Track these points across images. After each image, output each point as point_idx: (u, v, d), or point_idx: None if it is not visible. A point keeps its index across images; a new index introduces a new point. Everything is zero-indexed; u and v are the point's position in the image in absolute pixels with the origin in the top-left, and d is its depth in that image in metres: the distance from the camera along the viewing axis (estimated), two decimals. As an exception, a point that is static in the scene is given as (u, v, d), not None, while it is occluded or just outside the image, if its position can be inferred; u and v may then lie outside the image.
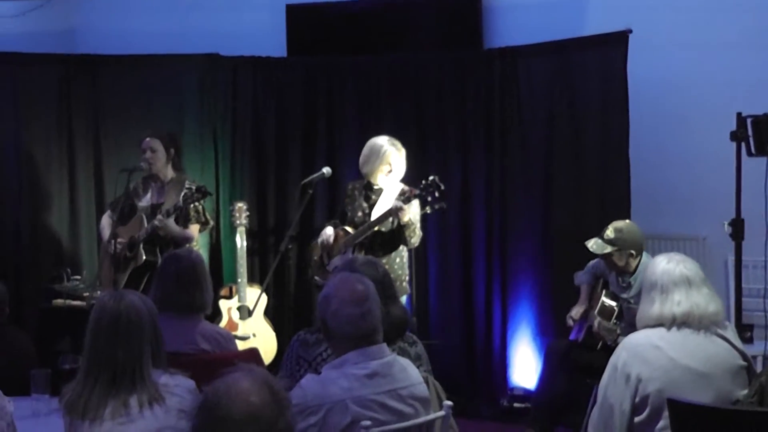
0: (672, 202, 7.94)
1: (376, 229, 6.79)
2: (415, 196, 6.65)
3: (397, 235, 6.79)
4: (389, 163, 6.90)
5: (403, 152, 6.93)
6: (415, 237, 6.79)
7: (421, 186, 6.66)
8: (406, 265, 6.99)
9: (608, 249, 6.34)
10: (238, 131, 8.53)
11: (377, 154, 6.92)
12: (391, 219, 6.72)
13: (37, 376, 4.59)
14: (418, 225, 6.84)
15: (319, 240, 7.08)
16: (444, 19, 8.49)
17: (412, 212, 6.76)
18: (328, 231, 7.07)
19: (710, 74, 7.81)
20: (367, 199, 6.98)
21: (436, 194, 6.64)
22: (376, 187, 6.94)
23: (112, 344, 3.58)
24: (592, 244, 6.40)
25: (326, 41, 8.69)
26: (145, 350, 3.62)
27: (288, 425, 2.25)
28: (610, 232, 6.34)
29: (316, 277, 7.15)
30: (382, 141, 6.95)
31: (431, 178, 6.67)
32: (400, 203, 6.59)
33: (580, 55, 7.71)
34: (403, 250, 6.92)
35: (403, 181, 6.99)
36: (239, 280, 7.87)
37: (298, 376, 4.02)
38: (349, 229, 6.96)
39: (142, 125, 7.75)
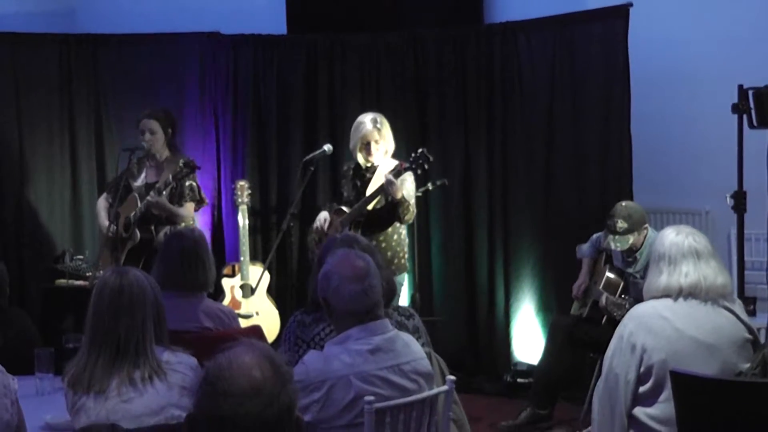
0: (674, 176, 7.94)
1: (370, 207, 6.76)
2: (405, 170, 6.61)
3: (392, 212, 6.76)
4: (368, 140, 6.84)
5: (385, 128, 6.86)
6: (409, 214, 6.74)
7: (411, 159, 6.64)
8: (404, 243, 6.95)
9: (631, 239, 6.35)
10: (239, 109, 8.51)
11: (354, 132, 6.90)
12: (384, 195, 6.69)
13: (41, 355, 4.61)
14: (413, 201, 6.79)
15: (314, 225, 7.07)
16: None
17: (406, 188, 6.72)
18: (322, 216, 7.05)
19: (711, 47, 7.79)
20: (362, 177, 6.95)
21: (426, 166, 6.63)
22: (370, 165, 6.91)
23: (115, 318, 3.60)
24: (615, 243, 6.37)
25: (326, 18, 8.67)
26: (147, 325, 3.63)
27: (290, 399, 2.25)
28: (621, 223, 6.32)
29: (315, 258, 7.13)
30: (362, 118, 6.90)
31: (420, 150, 6.64)
32: (391, 178, 6.56)
33: (581, 30, 7.69)
34: (400, 228, 6.89)
35: (401, 157, 6.96)
36: (242, 258, 7.87)
37: (298, 356, 4.02)
38: (345, 208, 6.94)
39: (143, 104, 7.74)
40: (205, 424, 2.23)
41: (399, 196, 6.61)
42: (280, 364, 2.27)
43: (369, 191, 6.81)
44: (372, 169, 6.88)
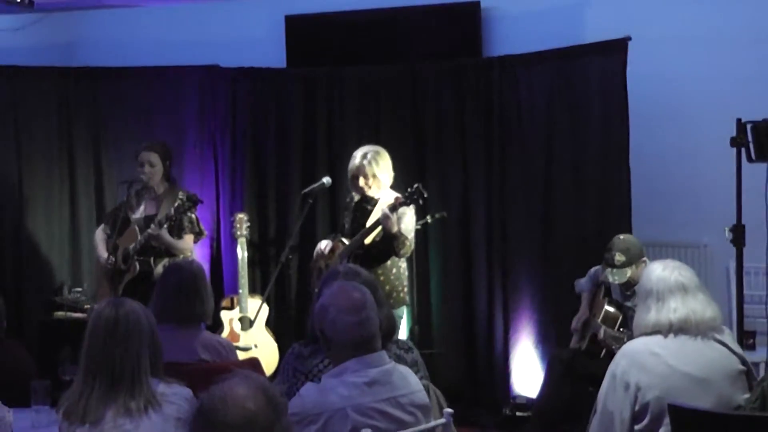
0: (673, 210, 7.93)
1: (368, 240, 6.76)
2: (401, 204, 6.61)
3: (390, 246, 6.75)
4: (356, 175, 6.84)
5: (380, 162, 6.85)
6: (405, 248, 6.73)
7: (406, 194, 6.64)
8: (403, 276, 6.94)
9: (629, 272, 6.34)
10: (237, 142, 8.52)
11: (350, 166, 6.91)
12: (380, 229, 6.69)
13: (37, 387, 4.58)
14: (411, 236, 6.78)
15: (315, 252, 7.07)
16: (443, 28, 8.47)
17: (405, 223, 6.71)
18: (323, 243, 7.06)
19: (710, 80, 7.81)
20: (363, 210, 6.95)
21: (420, 201, 6.63)
22: (372, 197, 6.91)
23: (110, 348, 3.59)
24: (613, 277, 6.37)
25: (326, 52, 8.69)
26: (142, 355, 3.63)
27: (285, 431, 2.24)
28: (619, 256, 6.32)
29: (316, 290, 7.12)
30: (357, 152, 6.91)
31: (415, 185, 6.64)
32: (386, 211, 6.56)
33: (579, 63, 7.70)
34: (399, 261, 6.89)
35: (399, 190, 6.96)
36: (240, 291, 7.86)
37: (295, 388, 4.00)
38: (345, 240, 6.94)
39: (142, 137, 7.76)
40: (200, 455, 2.22)
41: (394, 230, 6.60)
42: (275, 396, 2.26)
43: (369, 224, 6.81)
44: (373, 202, 6.88)
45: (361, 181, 6.81)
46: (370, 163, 6.78)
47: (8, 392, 3.89)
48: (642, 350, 4.36)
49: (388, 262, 6.81)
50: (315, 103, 8.44)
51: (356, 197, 7.00)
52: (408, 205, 6.63)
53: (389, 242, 6.70)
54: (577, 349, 6.79)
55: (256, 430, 2.20)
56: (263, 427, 2.21)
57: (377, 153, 6.84)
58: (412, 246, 6.83)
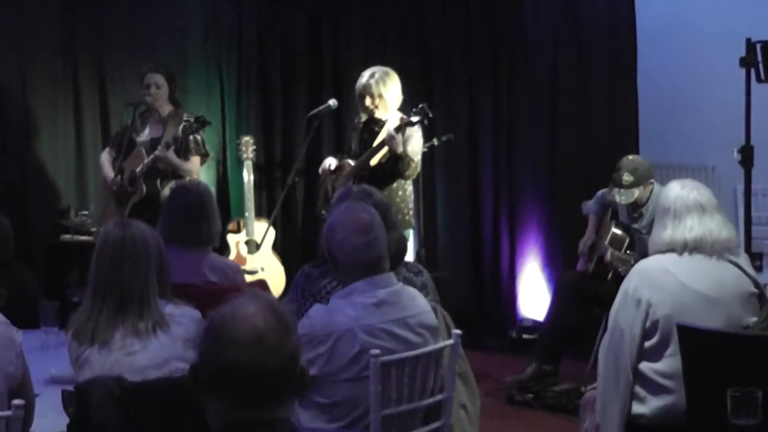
0: (680, 131, 7.91)
1: (374, 161, 6.73)
2: (406, 124, 6.55)
3: (395, 167, 6.72)
4: (362, 94, 6.78)
5: (387, 83, 6.76)
6: (410, 169, 6.67)
7: (411, 113, 6.58)
8: (409, 199, 6.89)
9: (636, 192, 6.32)
10: (243, 64, 8.48)
11: (356, 84, 6.85)
12: (386, 150, 6.65)
13: (45, 309, 4.61)
14: (417, 158, 6.71)
15: (320, 169, 7.04)
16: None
17: (411, 144, 6.66)
18: (328, 161, 7.02)
19: (719, 1, 7.73)
20: (370, 131, 6.89)
21: (425, 121, 6.58)
22: (379, 119, 6.86)
23: (118, 268, 3.59)
24: (620, 197, 6.35)
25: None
26: (150, 276, 3.62)
27: (294, 348, 2.24)
28: (627, 176, 6.30)
29: (323, 212, 7.11)
30: (365, 71, 6.82)
31: (420, 105, 6.56)
32: (392, 132, 6.53)
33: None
34: (405, 184, 6.82)
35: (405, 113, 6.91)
36: (247, 214, 7.85)
37: (304, 309, 4.00)
38: (351, 162, 6.91)
39: (146, 59, 7.67)
40: (209, 372, 2.22)
41: (399, 150, 6.56)
42: (284, 314, 2.25)
43: (375, 145, 6.77)
44: (380, 123, 6.81)
45: (367, 101, 6.75)
46: (377, 82, 6.72)
47: (17, 314, 3.89)
48: (655, 267, 4.34)
49: (394, 184, 6.76)
50: (320, 25, 8.39)
51: (364, 118, 6.94)
52: (413, 125, 6.57)
53: (395, 164, 6.67)
54: (583, 272, 6.80)
55: (265, 347, 2.19)
56: (273, 344, 2.20)
57: (386, 73, 6.77)
58: (419, 168, 6.79)
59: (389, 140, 6.52)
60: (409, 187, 6.89)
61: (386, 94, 6.72)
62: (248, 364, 2.19)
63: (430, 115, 6.55)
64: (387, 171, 6.71)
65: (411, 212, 6.93)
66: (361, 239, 3.72)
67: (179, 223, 4.88)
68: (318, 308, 3.79)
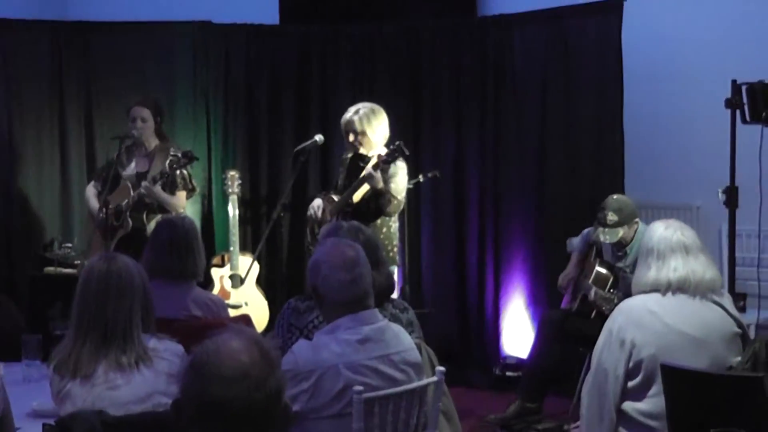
0: (666, 171, 7.93)
1: (357, 197, 6.72)
2: (384, 162, 6.57)
3: (378, 204, 6.72)
4: (346, 130, 6.80)
5: (374, 120, 6.76)
6: (391, 206, 6.67)
7: (387, 152, 6.59)
8: (394, 236, 6.88)
9: (621, 232, 6.35)
10: (230, 99, 8.49)
11: (341, 120, 6.87)
12: (367, 187, 6.65)
13: (28, 342, 4.58)
14: (401, 196, 6.71)
15: (308, 213, 7.05)
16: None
17: (396, 182, 6.66)
18: (316, 203, 7.03)
19: (705, 41, 7.79)
20: (356, 167, 6.88)
21: (402, 159, 6.58)
22: (365, 155, 6.86)
23: (102, 302, 3.58)
24: (604, 236, 6.37)
25: (319, 9, 8.65)
26: (134, 310, 3.61)
27: (278, 384, 2.24)
28: (611, 216, 6.32)
29: (311, 247, 7.10)
30: (350, 108, 6.85)
31: (396, 143, 6.55)
32: (370, 171, 6.54)
33: (574, 24, 7.67)
34: (390, 221, 6.82)
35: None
36: (231, 248, 7.85)
37: (290, 343, 3.99)
38: (335, 197, 6.91)
39: (134, 93, 7.69)
40: (192, 408, 2.21)
41: (379, 186, 6.57)
42: (268, 350, 2.25)
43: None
44: (366, 159, 6.82)
45: (350, 137, 6.77)
46: (360, 119, 6.73)
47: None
48: (639, 307, 4.36)
49: (378, 221, 6.76)
50: (309, 61, 8.41)
51: (350, 153, 6.95)
52: (387, 163, 6.57)
53: (377, 200, 6.67)
54: (567, 310, 6.80)
55: (250, 382, 2.18)
56: (257, 379, 2.19)
57: (371, 110, 6.79)
58: (401, 205, 6.79)
59: (368, 178, 6.54)
60: (394, 224, 6.89)
61: (369, 131, 6.73)
62: (233, 399, 2.18)
63: (407, 153, 6.55)
64: (371, 208, 6.72)
65: (396, 249, 6.93)
66: (346, 276, 3.72)
67: (164, 257, 4.88)
68: (302, 344, 3.78)
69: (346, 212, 6.74)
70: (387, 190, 6.60)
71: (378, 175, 6.53)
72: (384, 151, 6.71)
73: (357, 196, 6.72)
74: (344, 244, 3.90)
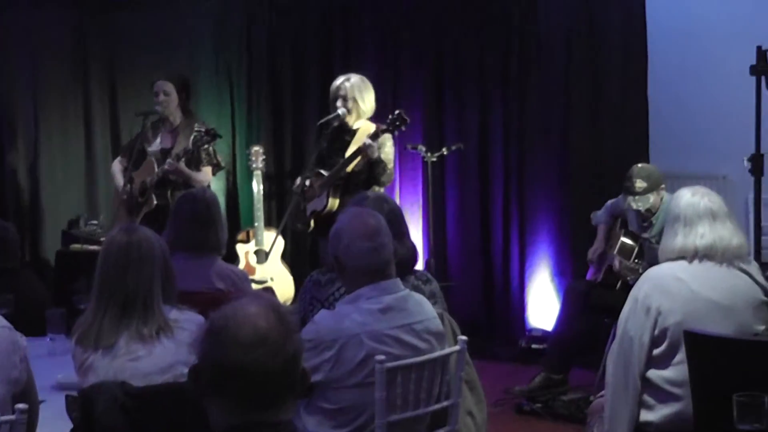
0: (691, 140, 7.87)
1: (349, 169, 6.70)
2: (383, 132, 6.54)
3: (371, 175, 6.69)
4: (339, 96, 6.74)
5: (364, 90, 6.72)
6: (385, 175, 6.64)
7: (388, 121, 6.55)
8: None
9: (651, 198, 6.31)
10: (253, 74, 8.50)
11: (331, 88, 6.84)
12: (361, 158, 6.63)
13: (52, 316, 4.62)
14: (391, 164, 6.71)
15: (294, 188, 7.00)
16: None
17: (386, 150, 6.61)
18: (298, 182, 6.98)
19: (730, 7, 7.72)
20: (341, 140, 6.85)
21: (403, 128, 6.55)
22: (350, 128, 6.82)
23: (122, 273, 3.58)
24: (636, 204, 6.33)
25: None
26: (155, 281, 3.62)
27: (296, 349, 2.23)
28: (640, 183, 6.28)
29: (298, 225, 7.09)
30: (340, 76, 6.82)
31: (397, 112, 6.54)
32: (368, 141, 6.51)
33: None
34: (381, 191, 6.79)
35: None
36: (256, 224, 7.86)
37: (311, 315, 3.99)
38: (324, 172, 6.85)
39: (157, 69, 7.70)
40: (210, 374, 2.21)
41: (375, 156, 6.55)
42: (286, 315, 2.25)
43: (348, 154, 6.72)
44: (351, 132, 6.79)
45: (339, 102, 6.73)
46: (353, 87, 6.69)
47: (25, 321, 3.89)
48: (666, 275, 4.32)
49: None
50: (331, 32, 8.39)
51: (336, 124, 6.86)
52: (390, 131, 6.55)
53: (370, 171, 6.64)
54: (593, 281, 6.78)
55: (268, 347, 2.18)
56: (276, 344, 2.19)
57: (361, 80, 6.76)
58: (393, 175, 6.79)
59: (366, 147, 6.50)
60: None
61: (360, 99, 6.70)
62: (251, 364, 2.18)
63: (408, 121, 6.53)
64: (362, 179, 6.69)
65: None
66: (367, 244, 3.71)
67: (186, 230, 4.87)
68: (324, 314, 3.78)
69: (337, 185, 6.71)
70: (381, 160, 6.59)
71: (375, 144, 6.51)
72: (369, 123, 6.68)
73: (349, 168, 6.69)
74: (366, 213, 3.89)
